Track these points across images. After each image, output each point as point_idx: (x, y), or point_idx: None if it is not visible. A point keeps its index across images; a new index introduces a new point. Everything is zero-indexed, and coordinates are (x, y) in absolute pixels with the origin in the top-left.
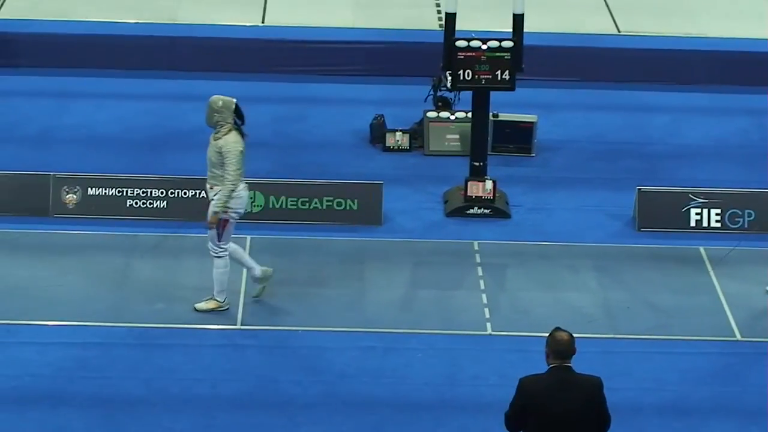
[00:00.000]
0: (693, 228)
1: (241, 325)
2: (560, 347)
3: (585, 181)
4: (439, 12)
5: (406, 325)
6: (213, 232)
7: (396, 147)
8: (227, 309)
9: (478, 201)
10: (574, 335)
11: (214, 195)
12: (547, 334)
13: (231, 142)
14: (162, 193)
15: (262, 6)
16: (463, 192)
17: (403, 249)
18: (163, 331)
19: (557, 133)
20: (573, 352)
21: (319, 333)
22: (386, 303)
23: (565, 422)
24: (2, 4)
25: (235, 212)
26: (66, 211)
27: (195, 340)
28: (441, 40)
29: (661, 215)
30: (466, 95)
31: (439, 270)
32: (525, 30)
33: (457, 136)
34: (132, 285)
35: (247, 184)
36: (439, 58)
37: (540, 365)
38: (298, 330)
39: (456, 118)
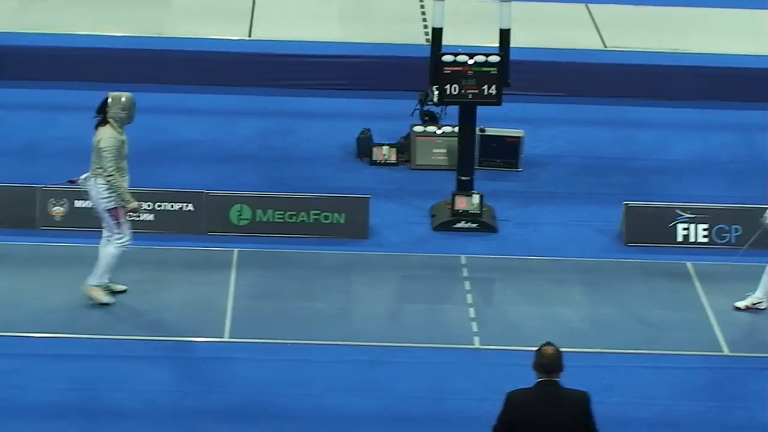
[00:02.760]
0: (680, 243)
1: (230, 337)
2: (546, 361)
3: (572, 195)
4: (425, 26)
5: (394, 338)
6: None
7: (383, 161)
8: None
9: (465, 215)
10: (562, 349)
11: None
12: (534, 348)
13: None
14: (149, 205)
15: (249, 20)
16: (450, 206)
17: (390, 263)
18: (152, 343)
19: (544, 147)
20: (560, 367)
21: (306, 346)
22: (373, 316)
23: None
24: None
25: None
26: (53, 223)
27: (183, 353)
28: (428, 54)
29: (648, 230)
30: (453, 110)
31: (426, 284)
32: (511, 45)
33: (444, 151)
34: (120, 297)
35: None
36: (426, 72)
37: (527, 379)
38: (285, 343)
39: (443, 132)
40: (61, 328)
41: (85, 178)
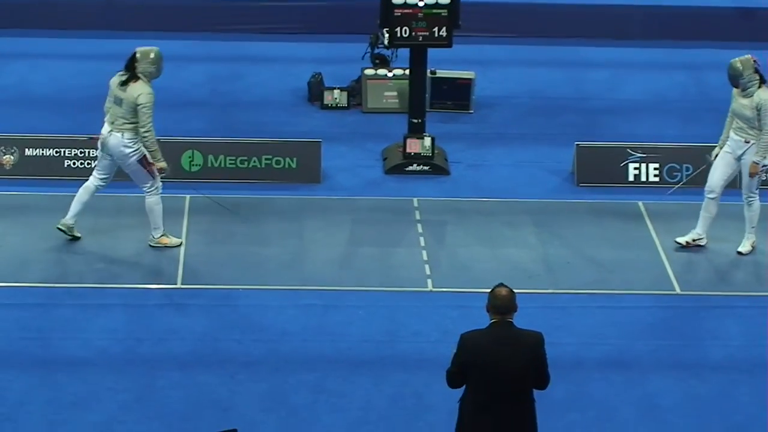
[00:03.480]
0: (631, 183)
1: (182, 284)
2: (499, 302)
3: (523, 136)
4: None
5: (347, 282)
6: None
7: (334, 105)
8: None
9: (417, 158)
10: (515, 291)
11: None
12: (487, 290)
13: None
14: (100, 152)
15: None
16: (401, 149)
17: (343, 207)
18: (104, 291)
19: (495, 89)
20: (514, 308)
21: (259, 291)
22: (326, 261)
23: (506, 377)
24: None
25: None
26: (3, 172)
27: (135, 300)
28: None
29: (599, 170)
30: (404, 52)
31: (378, 227)
32: None
33: (395, 94)
34: (73, 245)
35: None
36: (377, 15)
37: (480, 321)
38: (238, 288)
39: (394, 75)
40: (13, 276)
41: (106, 134)
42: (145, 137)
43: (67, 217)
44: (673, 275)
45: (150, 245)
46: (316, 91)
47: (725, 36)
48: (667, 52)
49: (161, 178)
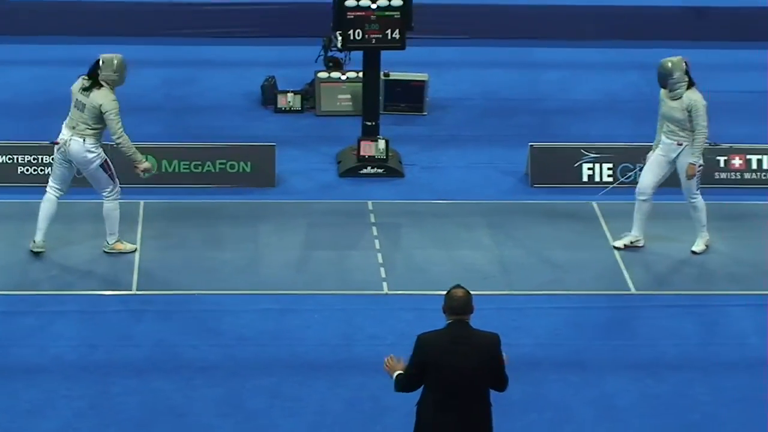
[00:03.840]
0: (585, 183)
1: (137, 290)
2: (456, 303)
3: (477, 138)
4: None
5: (302, 286)
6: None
7: (288, 108)
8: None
9: (371, 160)
10: (471, 292)
11: None
12: (443, 292)
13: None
14: (54, 159)
15: None
16: (355, 152)
17: (298, 210)
18: (59, 298)
19: (448, 91)
20: (470, 309)
21: (215, 296)
22: (282, 265)
23: (462, 376)
24: None
25: None
26: None
27: (90, 307)
28: (331, 0)
29: (553, 171)
30: (357, 55)
31: (333, 230)
32: None
33: (349, 96)
34: (25, 252)
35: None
36: (330, 18)
37: (436, 324)
38: (194, 294)
39: (347, 78)
40: None
41: (68, 139)
42: (119, 143)
43: (39, 237)
44: (628, 275)
45: (105, 251)
46: (269, 94)
47: (677, 35)
48: (619, 53)
49: (147, 178)
